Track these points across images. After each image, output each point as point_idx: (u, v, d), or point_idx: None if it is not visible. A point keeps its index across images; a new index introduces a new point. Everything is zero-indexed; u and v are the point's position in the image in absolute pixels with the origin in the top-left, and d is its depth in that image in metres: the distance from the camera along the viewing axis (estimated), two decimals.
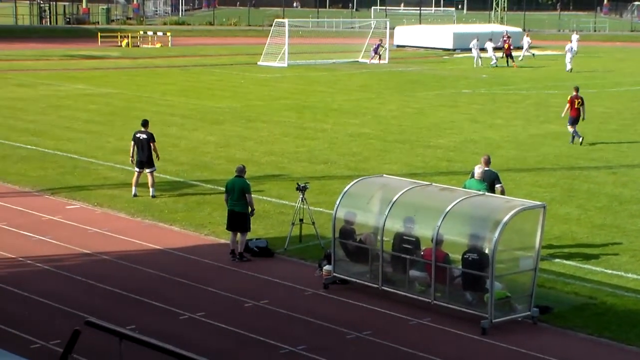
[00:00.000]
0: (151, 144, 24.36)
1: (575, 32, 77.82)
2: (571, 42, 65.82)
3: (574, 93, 33.56)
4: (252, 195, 19.77)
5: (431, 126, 37.17)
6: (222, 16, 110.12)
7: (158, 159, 24.71)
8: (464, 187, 19.12)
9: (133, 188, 24.52)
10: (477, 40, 65.56)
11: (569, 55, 61.97)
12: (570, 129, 33.48)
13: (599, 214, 23.29)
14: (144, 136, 24.46)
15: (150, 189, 24.40)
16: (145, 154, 24.35)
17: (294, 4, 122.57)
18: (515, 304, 16.16)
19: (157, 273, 18.42)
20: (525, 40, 68.15)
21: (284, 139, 33.48)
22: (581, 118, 33.27)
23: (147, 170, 24.38)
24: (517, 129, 36.69)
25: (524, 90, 50.50)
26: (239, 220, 19.33)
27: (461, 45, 74.16)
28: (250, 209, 19.39)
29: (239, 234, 19.31)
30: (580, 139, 33.03)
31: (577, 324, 15.85)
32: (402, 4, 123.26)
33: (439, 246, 16.38)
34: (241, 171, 19.72)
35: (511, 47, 65.08)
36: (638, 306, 16.78)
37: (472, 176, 19.99)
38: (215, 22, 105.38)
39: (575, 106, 33.22)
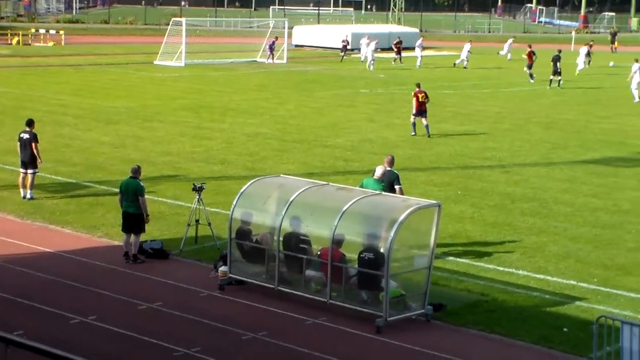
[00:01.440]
0: (32, 145, 23.83)
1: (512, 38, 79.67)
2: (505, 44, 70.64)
3: (417, 88, 35.55)
4: (147, 197, 19.52)
5: (329, 126, 37.31)
6: (117, 14, 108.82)
7: (40, 162, 24.12)
8: (361, 187, 19.21)
9: (21, 190, 23.98)
10: (368, 39, 66.48)
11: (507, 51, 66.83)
12: (412, 119, 35.31)
13: (491, 212, 23.68)
14: (27, 136, 23.98)
15: (28, 191, 23.83)
16: (27, 155, 23.84)
17: (182, 4, 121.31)
18: (410, 302, 16.31)
19: (48, 277, 18.04)
20: (418, 44, 68.02)
21: (180, 139, 33.20)
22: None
23: (29, 171, 23.85)
24: (420, 131, 36.98)
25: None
26: (133, 221, 19.07)
27: (359, 45, 74.65)
28: (145, 213, 19.15)
29: (133, 236, 19.05)
30: (427, 129, 34.96)
31: (470, 321, 16.07)
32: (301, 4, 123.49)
33: (338, 246, 16.43)
34: (136, 172, 19.45)
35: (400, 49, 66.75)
36: (528, 302, 17.11)
37: (373, 175, 20.09)
38: (111, 20, 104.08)
39: (420, 100, 34.91)
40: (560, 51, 54.97)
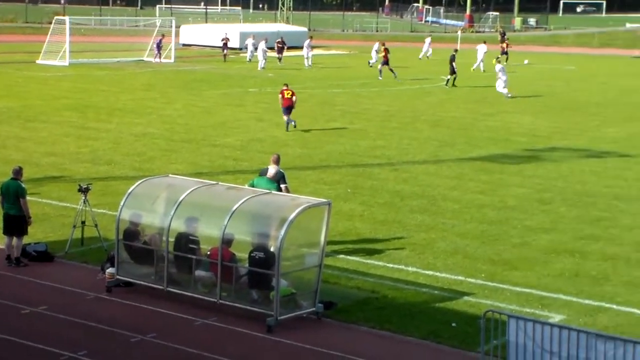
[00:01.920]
0: None
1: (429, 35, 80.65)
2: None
3: (284, 87, 36.46)
4: (31, 198, 19.03)
5: (218, 125, 37.08)
6: None
7: None
8: (252, 186, 19.10)
9: None
10: (254, 39, 66.47)
11: (427, 48, 69.44)
12: (285, 118, 35.89)
13: (381, 209, 23.83)
14: None
15: None
16: None
17: (62, 1, 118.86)
18: (301, 300, 16.28)
19: None
20: (307, 44, 67.88)
21: (65, 140, 32.50)
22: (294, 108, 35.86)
23: None
24: (303, 127, 37.04)
25: (309, 89, 51.16)
26: (15, 224, 18.56)
27: (246, 45, 74.43)
28: (27, 216, 18.66)
29: (15, 238, 18.54)
30: (293, 123, 35.82)
31: (360, 318, 16.12)
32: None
33: (228, 245, 16.30)
34: (17, 173, 18.92)
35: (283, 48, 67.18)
36: (417, 298, 17.25)
37: (261, 174, 19.99)
38: None
39: (286, 96, 35.73)
40: (456, 51, 55.89)
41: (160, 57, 65.52)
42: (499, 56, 66.73)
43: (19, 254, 18.52)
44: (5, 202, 18.66)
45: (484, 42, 67.56)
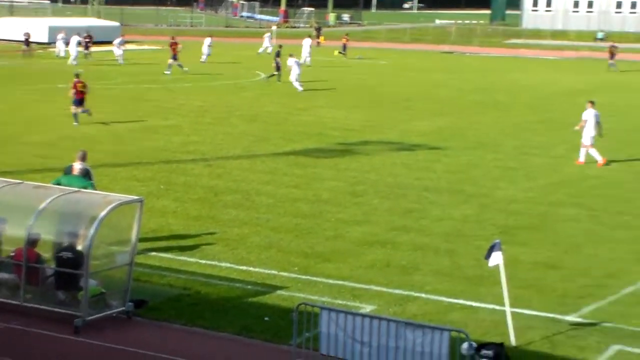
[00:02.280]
0: None
1: (270, 31, 79.86)
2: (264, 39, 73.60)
3: (75, 79, 36.21)
4: None
5: (24, 122, 35.94)
6: None
7: None
8: (61, 184, 18.53)
9: None
10: (65, 34, 64.84)
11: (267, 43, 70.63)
12: (73, 110, 35.92)
13: (195, 205, 23.63)
14: None
15: None
16: None
17: None
18: (110, 300, 15.92)
19: None
20: (118, 42, 65.89)
21: None
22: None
23: None
24: (115, 124, 36.37)
25: (122, 85, 50.34)
26: None
27: (56, 39, 72.48)
28: None
29: None
30: (87, 112, 35.97)
31: (172, 315, 15.89)
32: None
33: (33, 246, 15.77)
34: None
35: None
36: (230, 294, 17.17)
37: (66, 172, 19.45)
38: None
39: (78, 89, 35.80)
40: (281, 46, 55.93)
41: None
42: (342, 52, 68.08)
43: None
44: None
45: (309, 37, 68.38)
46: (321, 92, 49.97)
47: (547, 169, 29.25)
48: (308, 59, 64.61)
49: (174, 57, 57.25)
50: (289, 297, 16.90)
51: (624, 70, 66.71)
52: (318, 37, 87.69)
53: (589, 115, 30.37)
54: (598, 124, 30.44)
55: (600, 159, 29.98)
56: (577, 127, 30.80)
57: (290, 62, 50.31)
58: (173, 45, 57.58)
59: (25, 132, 33.67)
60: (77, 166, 19.41)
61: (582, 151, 30.32)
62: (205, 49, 66.15)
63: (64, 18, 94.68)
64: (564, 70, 67.42)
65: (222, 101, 44.74)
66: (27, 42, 67.63)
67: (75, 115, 35.69)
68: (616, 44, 73.51)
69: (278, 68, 53.68)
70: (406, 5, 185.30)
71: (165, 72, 56.20)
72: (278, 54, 54.03)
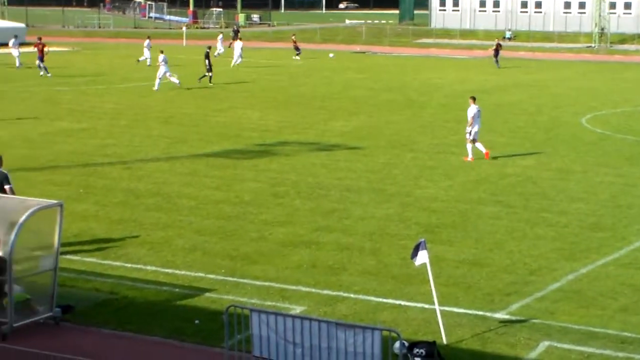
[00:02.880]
0: None
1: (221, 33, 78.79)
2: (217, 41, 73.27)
3: None
4: None
5: None
6: None
7: None
8: None
9: None
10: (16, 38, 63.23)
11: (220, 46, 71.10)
12: None
13: (116, 209, 23.34)
14: None
15: None
16: None
17: None
18: (36, 305, 15.64)
19: None
20: (13, 43, 63.70)
21: None
22: None
23: None
24: (27, 127, 35.77)
25: (31, 87, 49.46)
26: None
27: None
28: None
29: None
30: None
31: (100, 320, 15.70)
32: None
33: None
34: None
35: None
36: (158, 297, 17.00)
37: None
38: None
39: None
40: (210, 47, 55.41)
41: None
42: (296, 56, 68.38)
43: None
44: None
45: (240, 39, 68.46)
46: (236, 93, 49.82)
47: (465, 167, 29.60)
48: (239, 60, 65.68)
49: (41, 59, 55.84)
50: (217, 300, 16.80)
51: (529, 69, 68.00)
52: (235, 38, 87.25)
53: (473, 111, 30.93)
54: (479, 119, 31.10)
55: (484, 150, 30.67)
56: (468, 127, 30.96)
57: (160, 58, 51.10)
58: (38, 45, 56.22)
59: None
60: None
61: (469, 147, 30.79)
62: (145, 52, 64.92)
63: None
64: (474, 69, 68.37)
65: (136, 103, 44.29)
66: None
67: None
68: (501, 42, 75.32)
69: (210, 69, 53.26)
70: (342, 6, 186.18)
71: (41, 75, 54.99)
72: (208, 55, 53.60)
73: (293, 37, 75.29)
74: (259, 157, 30.78)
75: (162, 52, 52.03)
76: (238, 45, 66.75)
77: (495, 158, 30.74)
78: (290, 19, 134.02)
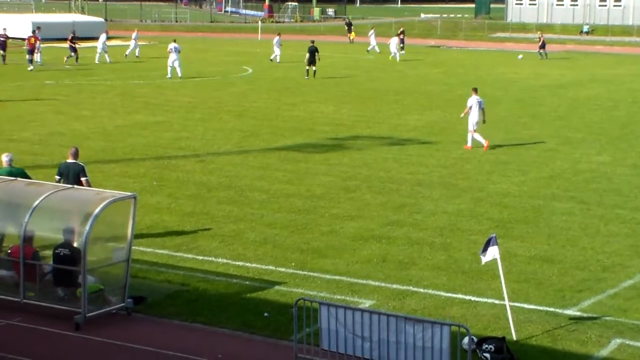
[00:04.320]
0: None
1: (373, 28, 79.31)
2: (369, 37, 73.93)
3: None
4: None
5: (13, 119, 35.79)
6: None
7: None
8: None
9: None
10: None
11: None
12: None
13: (188, 201, 23.57)
14: None
15: None
16: None
17: None
18: (109, 296, 15.90)
19: None
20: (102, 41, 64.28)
21: None
22: None
23: None
24: (104, 120, 36.32)
25: (109, 81, 50.18)
26: None
27: (42, 35, 71.98)
28: None
29: None
30: None
31: (171, 312, 15.87)
32: None
33: (29, 243, 15.72)
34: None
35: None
36: (228, 289, 17.14)
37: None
38: None
39: None
40: (313, 42, 55.51)
41: None
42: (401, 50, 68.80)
43: None
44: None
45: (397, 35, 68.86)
46: (310, 87, 49.94)
47: (539, 163, 29.30)
48: (397, 54, 68.15)
49: (30, 52, 56.13)
50: (287, 293, 16.88)
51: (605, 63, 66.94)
52: (349, 32, 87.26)
53: (472, 101, 31.68)
54: (482, 110, 31.85)
55: (484, 142, 31.40)
56: (462, 115, 32.35)
57: (170, 47, 52.29)
58: (32, 38, 56.74)
59: (14, 129, 33.54)
60: (5, 157, 19.45)
61: (469, 136, 31.70)
62: (275, 49, 64.25)
63: (48, 14, 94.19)
64: (549, 64, 67.51)
65: (211, 97, 44.64)
66: (3, 46, 59.53)
67: None
68: (543, 35, 76.40)
69: (311, 63, 53.56)
70: None
71: (29, 69, 55.24)
72: (314, 50, 53.77)
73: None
74: (331, 151, 30.82)
75: (174, 40, 53.48)
76: (394, 41, 68.27)
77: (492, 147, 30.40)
78: (365, 13, 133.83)
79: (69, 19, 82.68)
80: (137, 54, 65.49)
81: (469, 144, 31.63)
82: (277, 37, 64.65)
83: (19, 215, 16.02)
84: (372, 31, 77.90)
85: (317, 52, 54.31)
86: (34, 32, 58.36)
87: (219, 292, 16.98)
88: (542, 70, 61.98)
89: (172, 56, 52.30)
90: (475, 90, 32.19)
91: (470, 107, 31.64)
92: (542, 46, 71.67)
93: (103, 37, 62.98)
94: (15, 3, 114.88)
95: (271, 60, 63.71)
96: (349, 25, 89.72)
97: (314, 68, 53.88)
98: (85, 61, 60.47)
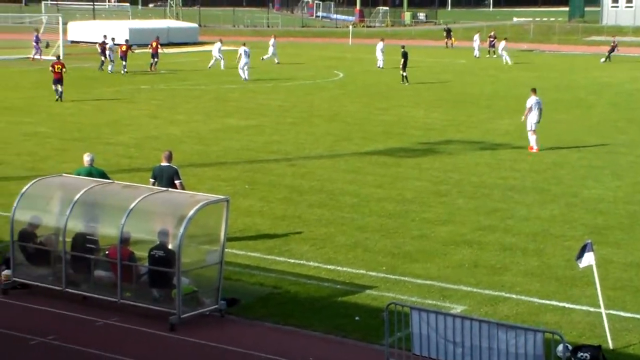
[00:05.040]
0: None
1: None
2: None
3: (56, 60, 44.08)
4: None
5: (110, 123, 36.50)
6: None
7: None
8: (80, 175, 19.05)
9: None
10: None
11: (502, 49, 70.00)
12: (54, 87, 42.61)
13: (280, 205, 23.75)
14: None
15: None
16: None
17: None
18: (203, 298, 16.10)
19: None
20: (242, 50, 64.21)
21: None
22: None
23: None
24: (198, 124, 36.82)
25: (203, 86, 50.83)
26: None
27: (137, 40, 73.32)
28: None
29: None
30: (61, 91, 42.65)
31: (263, 314, 16.01)
32: None
33: (125, 244, 16.02)
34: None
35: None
36: (319, 293, 17.22)
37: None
38: None
39: (56, 70, 42.63)
40: (404, 46, 55.41)
41: (40, 54, 63.71)
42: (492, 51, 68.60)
43: None
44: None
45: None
46: (402, 91, 49.87)
47: (635, 168, 28.77)
48: (508, 58, 68.06)
49: (154, 56, 58.85)
50: (378, 297, 16.89)
51: None
52: (448, 37, 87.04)
53: (532, 102, 31.87)
54: (540, 110, 31.94)
55: (531, 143, 31.68)
56: (522, 118, 32.34)
57: (240, 50, 54.27)
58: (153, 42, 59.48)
59: (112, 132, 34.22)
60: (86, 158, 19.87)
61: (530, 137, 31.96)
62: (378, 55, 63.68)
63: (143, 20, 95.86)
64: None
65: (302, 101, 44.91)
66: (103, 52, 59.54)
67: (58, 93, 42.37)
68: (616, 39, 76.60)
69: (405, 67, 53.49)
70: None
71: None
72: (406, 54, 53.74)
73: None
74: (423, 156, 30.74)
75: (244, 44, 55.41)
76: (379, 46, 64.35)
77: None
78: (457, 17, 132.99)
79: (163, 24, 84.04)
80: (276, 61, 65.48)
81: (532, 144, 31.72)
82: (380, 43, 63.99)
83: (115, 217, 16.32)
84: (477, 36, 77.36)
85: (407, 57, 54.13)
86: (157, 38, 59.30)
87: (310, 295, 17.07)
88: (639, 74, 60.75)
89: (243, 60, 53.86)
90: (534, 90, 32.42)
91: (530, 108, 31.83)
92: (612, 50, 72.18)
93: (218, 44, 62.58)
94: (113, 10, 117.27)
95: (379, 67, 63.16)
96: (448, 31, 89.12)
97: (404, 73, 53.67)
98: (178, 67, 61.36)
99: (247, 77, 53.58)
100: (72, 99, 43.10)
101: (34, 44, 63.30)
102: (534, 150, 31.42)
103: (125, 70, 56.52)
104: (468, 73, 61.30)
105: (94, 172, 19.42)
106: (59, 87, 42.49)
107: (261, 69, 60.79)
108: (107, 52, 57.81)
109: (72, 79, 51.83)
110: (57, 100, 42.15)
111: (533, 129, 31.71)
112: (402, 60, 53.80)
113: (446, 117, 39.94)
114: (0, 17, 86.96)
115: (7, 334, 14.86)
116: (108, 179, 19.28)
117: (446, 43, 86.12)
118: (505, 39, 72.85)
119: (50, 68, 43.28)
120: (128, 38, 64.23)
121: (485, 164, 29.39)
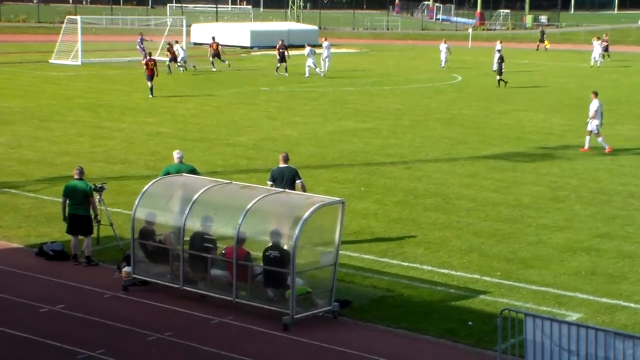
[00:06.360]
0: None
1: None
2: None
3: (149, 57, 47.12)
4: (46, 198, 19.10)
5: (230, 124, 37.10)
6: (9, 12, 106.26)
7: None
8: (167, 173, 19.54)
9: None
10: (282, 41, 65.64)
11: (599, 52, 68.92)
12: (149, 84, 45.46)
13: (395, 208, 23.79)
14: None
15: None
16: None
17: (83, 1, 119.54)
18: (317, 299, 16.26)
19: None
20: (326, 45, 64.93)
21: (79, 139, 32.60)
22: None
23: None
24: (315, 126, 37.12)
25: (321, 88, 51.17)
26: (82, 223, 18.80)
27: (259, 42, 74.45)
28: (93, 213, 19.00)
29: (84, 238, 18.79)
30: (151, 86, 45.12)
31: (376, 317, 16.09)
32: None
33: (241, 244, 16.30)
34: (81, 173, 19.22)
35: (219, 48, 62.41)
36: (432, 297, 17.22)
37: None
38: (2, 18, 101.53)
39: (150, 67, 45.50)
40: (499, 51, 54.67)
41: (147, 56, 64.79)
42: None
43: (89, 252, 18.75)
44: (72, 202, 18.89)
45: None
46: (520, 95, 49.28)
47: None
48: (599, 60, 67.66)
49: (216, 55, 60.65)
50: (492, 302, 16.80)
51: None
52: (542, 40, 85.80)
53: (595, 105, 32.17)
54: (601, 114, 32.44)
55: (586, 145, 32.28)
56: (588, 120, 32.57)
57: (306, 51, 56.96)
58: (214, 44, 61.33)
59: (231, 133, 34.79)
60: (176, 155, 20.53)
61: (600, 139, 32.32)
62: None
63: (265, 22, 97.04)
64: None
65: (419, 104, 44.80)
66: (215, 54, 61.04)
67: (151, 89, 44.96)
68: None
69: (501, 72, 52.72)
70: None
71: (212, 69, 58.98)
72: (502, 59, 52.98)
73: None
74: (540, 161, 30.36)
75: (308, 44, 58.99)
76: (597, 46, 67.41)
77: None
78: (580, 20, 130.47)
79: (284, 27, 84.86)
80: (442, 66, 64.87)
81: (587, 146, 32.25)
82: (499, 43, 63.10)
83: (232, 218, 16.62)
84: (595, 42, 75.62)
85: (503, 61, 53.12)
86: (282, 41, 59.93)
87: (424, 299, 17.08)
88: None
89: (310, 59, 56.54)
90: (596, 94, 32.56)
91: (596, 111, 32.03)
92: (605, 49, 70.86)
93: (308, 49, 63.21)
94: (235, 12, 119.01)
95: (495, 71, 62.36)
96: (542, 34, 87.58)
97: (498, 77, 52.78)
98: (299, 69, 61.91)
99: (307, 74, 56.47)
100: (194, 100, 43.98)
101: (139, 47, 64.02)
102: (585, 150, 32.11)
103: (192, 66, 58.75)
104: (590, 77, 60.12)
105: (182, 169, 19.88)
106: (149, 83, 45.21)
107: (380, 71, 60.83)
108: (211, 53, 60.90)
109: (195, 81, 52.89)
110: (150, 96, 44.72)
111: (596, 131, 32.14)
112: (499, 63, 52.71)
113: (566, 122, 39.33)
114: (128, 20, 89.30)
115: (127, 330, 15.31)
116: (198, 174, 19.67)
117: (537, 46, 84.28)
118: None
119: (144, 65, 46.06)
120: (249, 40, 65.00)
121: (605, 170, 28.85)
